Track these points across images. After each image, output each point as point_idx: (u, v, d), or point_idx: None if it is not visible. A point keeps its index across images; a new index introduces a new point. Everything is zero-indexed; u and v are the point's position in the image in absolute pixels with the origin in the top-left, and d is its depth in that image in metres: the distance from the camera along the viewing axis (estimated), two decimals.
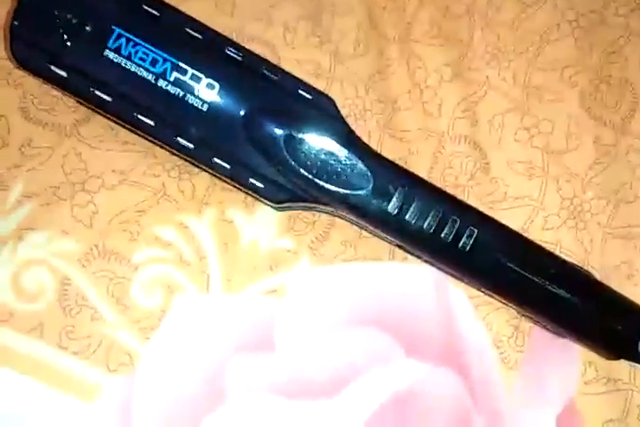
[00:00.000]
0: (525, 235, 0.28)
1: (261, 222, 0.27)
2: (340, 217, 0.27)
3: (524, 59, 0.31)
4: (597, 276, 0.27)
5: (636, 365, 0.26)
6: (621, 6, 0.32)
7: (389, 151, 0.29)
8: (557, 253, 0.28)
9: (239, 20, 0.30)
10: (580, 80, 0.31)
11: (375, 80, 0.30)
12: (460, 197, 0.28)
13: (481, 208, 0.28)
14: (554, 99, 0.31)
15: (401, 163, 0.29)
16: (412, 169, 0.29)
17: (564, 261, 0.26)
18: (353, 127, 0.29)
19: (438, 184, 0.28)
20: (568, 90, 0.31)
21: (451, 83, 0.30)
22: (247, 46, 0.28)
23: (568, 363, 0.27)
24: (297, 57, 0.30)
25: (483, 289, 0.26)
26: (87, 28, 0.24)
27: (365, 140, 0.29)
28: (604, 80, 0.31)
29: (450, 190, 0.28)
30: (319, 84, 0.29)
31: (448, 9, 0.32)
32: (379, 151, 0.29)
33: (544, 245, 0.28)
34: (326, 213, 0.27)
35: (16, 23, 0.24)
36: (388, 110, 0.30)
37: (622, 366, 0.27)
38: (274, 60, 0.29)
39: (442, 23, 0.31)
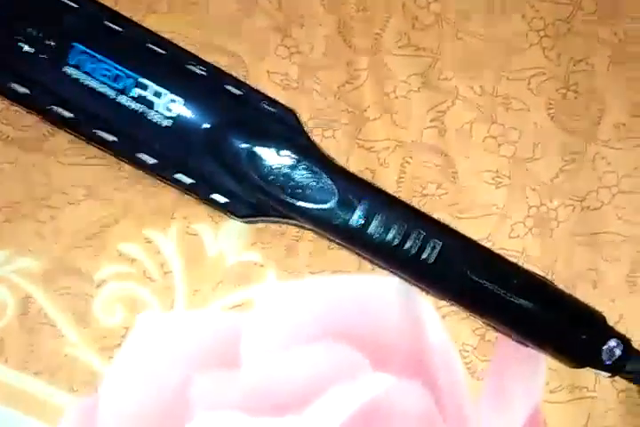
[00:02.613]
0: (492, 243, 0.28)
1: (227, 236, 0.27)
2: (306, 229, 0.27)
3: (492, 68, 0.31)
4: (563, 283, 0.28)
5: (600, 372, 0.26)
6: (588, 15, 0.33)
7: (358, 161, 0.29)
8: (524, 260, 0.28)
9: (208, 32, 0.30)
10: (547, 89, 0.31)
11: (344, 90, 0.30)
12: (429, 205, 0.29)
13: (448, 217, 0.28)
14: (521, 108, 0.31)
15: (369, 172, 0.29)
16: (380, 178, 0.29)
17: (527, 272, 0.26)
18: (322, 138, 0.29)
19: (406, 193, 0.29)
20: (535, 98, 0.31)
21: (419, 93, 0.30)
22: (216, 58, 0.28)
23: (533, 372, 0.27)
24: (266, 68, 0.30)
25: (447, 300, 0.26)
26: (47, 45, 0.24)
27: (334, 150, 0.29)
28: (570, 88, 0.31)
29: (418, 199, 0.29)
30: (288, 95, 0.29)
31: (417, 19, 0.32)
32: (347, 160, 0.29)
33: (510, 253, 0.28)
34: (293, 225, 0.27)
35: None
36: (357, 120, 0.30)
37: (587, 375, 0.27)
38: (242, 72, 0.29)
39: (410, 33, 0.31)
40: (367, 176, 0.28)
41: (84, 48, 0.24)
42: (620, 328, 0.26)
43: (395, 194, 0.27)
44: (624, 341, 0.25)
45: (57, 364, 0.25)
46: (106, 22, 0.24)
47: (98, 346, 0.25)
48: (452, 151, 0.30)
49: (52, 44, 0.24)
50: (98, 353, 0.25)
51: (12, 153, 0.27)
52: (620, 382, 0.27)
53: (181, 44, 0.26)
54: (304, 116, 0.27)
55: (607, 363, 0.25)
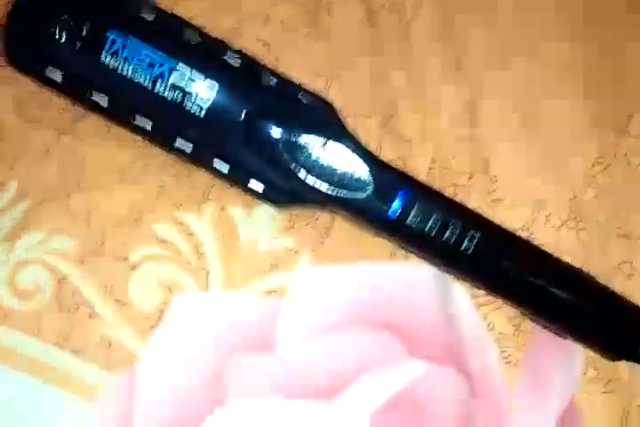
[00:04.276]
0: (527, 234, 0.28)
1: (261, 220, 0.27)
2: (340, 216, 0.27)
3: (525, 58, 0.31)
4: (598, 275, 0.27)
5: (638, 365, 0.26)
6: (619, 7, 0.32)
7: (388, 151, 0.29)
8: (558, 252, 0.28)
9: (236, 20, 0.30)
10: (582, 80, 0.31)
11: (374, 80, 0.30)
12: (460, 196, 0.28)
13: (481, 207, 0.28)
14: (554, 99, 0.30)
15: (400, 162, 0.29)
16: (411, 168, 0.28)
17: (565, 264, 0.26)
18: (352, 127, 0.29)
19: (438, 183, 0.28)
20: (569, 90, 0.30)
21: (450, 82, 0.30)
22: (244, 45, 0.28)
23: (569, 362, 0.27)
24: (295, 56, 0.29)
25: (485, 291, 0.26)
26: (83, 32, 0.23)
27: (365, 139, 0.29)
28: (605, 80, 0.31)
29: (450, 190, 0.28)
30: (318, 84, 0.29)
31: (448, 7, 0.31)
32: (378, 151, 0.29)
33: (545, 244, 0.28)
34: (327, 211, 0.27)
35: (11, 25, 0.24)
36: (388, 110, 0.29)
37: (623, 367, 0.27)
38: (272, 60, 0.29)
39: (442, 22, 0.31)
40: (398, 166, 0.28)
41: (118, 36, 0.23)
42: None
43: (426, 184, 0.27)
44: None
45: (93, 343, 0.25)
46: (140, 11, 0.24)
47: (134, 326, 0.25)
48: (483, 141, 0.29)
49: (87, 31, 0.23)
50: (134, 333, 0.25)
51: (45, 136, 0.27)
52: None
53: (211, 31, 0.25)
54: (336, 105, 0.26)
55: None
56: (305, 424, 0.25)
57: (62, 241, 0.26)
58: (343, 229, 0.27)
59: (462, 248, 0.24)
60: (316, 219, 0.27)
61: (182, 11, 0.26)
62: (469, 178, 0.29)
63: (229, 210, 0.27)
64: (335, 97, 0.28)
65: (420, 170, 0.29)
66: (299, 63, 0.29)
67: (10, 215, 0.26)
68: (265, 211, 0.27)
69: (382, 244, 0.27)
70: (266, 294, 0.26)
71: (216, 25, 0.28)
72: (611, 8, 0.32)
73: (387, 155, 0.28)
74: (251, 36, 0.29)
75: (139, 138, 0.27)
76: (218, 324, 0.25)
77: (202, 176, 0.27)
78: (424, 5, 0.31)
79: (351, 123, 0.29)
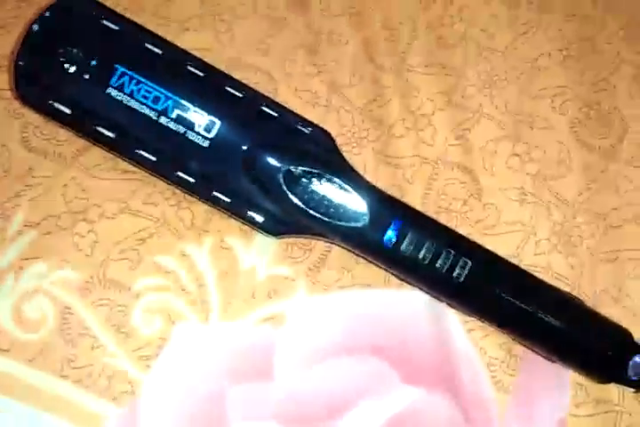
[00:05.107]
0: (517, 260, 0.28)
1: (259, 250, 0.28)
2: (335, 244, 0.28)
3: (516, 86, 0.32)
4: (587, 298, 0.28)
5: (626, 388, 0.26)
6: (611, 34, 0.33)
7: (384, 178, 0.30)
8: (548, 277, 0.28)
9: (237, 50, 0.31)
10: (570, 108, 0.32)
11: (370, 108, 0.31)
12: (454, 222, 0.29)
13: (474, 233, 0.29)
14: (544, 126, 0.31)
15: (395, 189, 0.29)
16: (406, 195, 0.29)
17: (555, 289, 0.26)
18: (349, 154, 0.29)
19: (432, 210, 0.29)
20: (558, 117, 0.31)
21: (444, 111, 0.31)
22: (245, 76, 0.29)
23: (559, 386, 0.27)
24: (294, 85, 0.30)
25: (476, 317, 0.27)
26: (90, 67, 0.24)
27: (361, 166, 0.30)
28: (593, 107, 0.32)
29: (443, 216, 0.29)
30: (316, 113, 0.30)
31: (442, 38, 0.32)
32: (374, 177, 0.29)
33: (536, 269, 0.28)
34: (323, 240, 0.28)
35: (20, 62, 0.24)
36: (384, 138, 0.30)
37: (612, 389, 0.27)
38: (271, 89, 0.30)
39: (436, 52, 0.32)
40: (393, 192, 0.29)
41: (125, 70, 0.24)
42: None
43: (420, 210, 0.27)
44: None
45: (96, 373, 0.26)
46: (147, 44, 0.25)
47: (136, 356, 0.26)
48: (476, 169, 0.30)
49: (96, 65, 0.24)
50: (136, 363, 0.26)
51: (50, 168, 0.28)
52: None
53: (211, 61, 0.26)
54: (332, 134, 0.27)
55: (633, 379, 0.25)
56: None
57: (66, 272, 0.27)
58: (339, 256, 0.28)
59: (454, 275, 0.25)
60: (312, 248, 0.28)
61: (185, 42, 0.27)
62: (463, 204, 0.30)
63: (228, 240, 0.28)
64: (331, 125, 0.29)
65: (414, 197, 0.29)
66: (295, 92, 0.30)
67: (15, 246, 0.27)
68: (263, 240, 0.28)
69: (377, 271, 0.28)
70: (264, 322, 0.27)
71: (218, 56, 0.30)
72: (605, 38, 0.33)
73: (382, 182, 0.29)
74: (249, 65, 0.30)
75: (137, 169, 0.27)
76: (218, 354, 0.26)
77: (201, 207, 0.28)
78: (418, 36, 0.32)
79: (348, 150, 0.30)
